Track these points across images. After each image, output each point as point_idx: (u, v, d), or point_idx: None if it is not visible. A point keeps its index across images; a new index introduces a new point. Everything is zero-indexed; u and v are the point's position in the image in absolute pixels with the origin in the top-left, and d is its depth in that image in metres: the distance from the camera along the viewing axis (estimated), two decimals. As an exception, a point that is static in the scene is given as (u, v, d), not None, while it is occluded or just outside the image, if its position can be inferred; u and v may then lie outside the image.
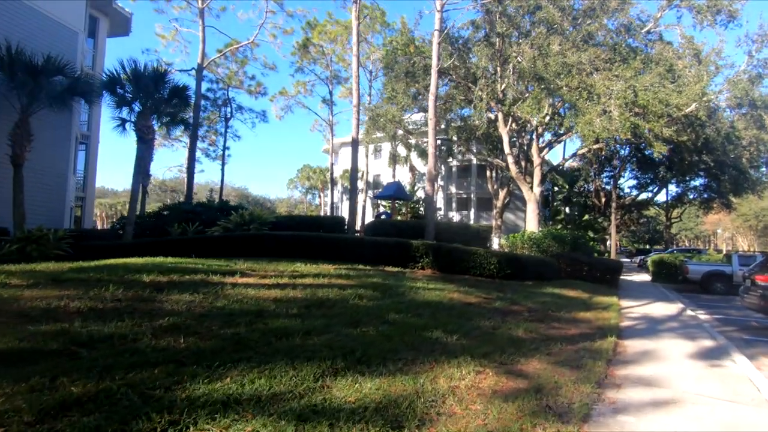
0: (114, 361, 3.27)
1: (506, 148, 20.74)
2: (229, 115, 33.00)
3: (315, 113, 38.74)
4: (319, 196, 59.95)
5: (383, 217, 26.31)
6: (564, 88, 16.24)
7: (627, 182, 48.49)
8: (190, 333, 4.12)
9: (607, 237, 38.23)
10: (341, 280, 7.71)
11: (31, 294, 4.76)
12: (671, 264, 18.59)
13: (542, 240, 15.98)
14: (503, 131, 20.51)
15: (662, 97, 14.69)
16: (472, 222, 35.71)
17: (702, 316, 9.76)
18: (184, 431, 2.48)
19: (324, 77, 33.08)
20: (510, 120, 20.82)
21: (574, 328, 6.97)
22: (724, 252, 34.70)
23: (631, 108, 14.98)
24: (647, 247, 52.83)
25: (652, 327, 8.12)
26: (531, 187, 20.64)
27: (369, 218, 31.38)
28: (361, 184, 34.77)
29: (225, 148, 33.31)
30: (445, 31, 17.76)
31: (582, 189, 37.69)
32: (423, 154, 29.85)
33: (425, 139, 23.44)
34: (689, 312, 10.09)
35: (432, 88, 15.43)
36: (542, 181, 21.59)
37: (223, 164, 33.33)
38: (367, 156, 35.37)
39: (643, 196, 35.94)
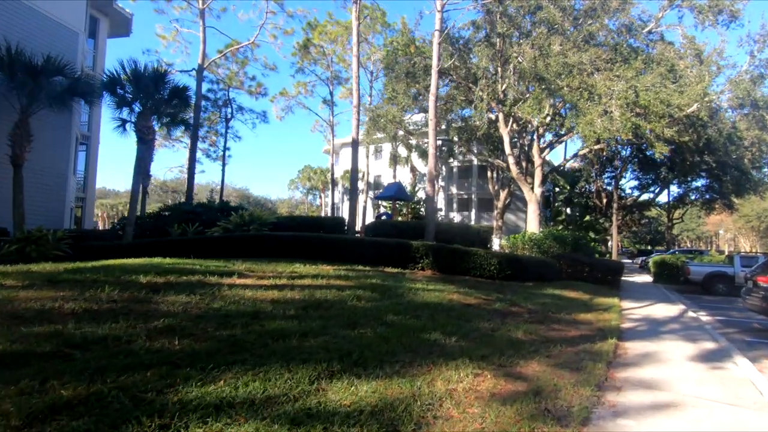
0: (107, 363, 3.24)
1: (507, 149, 20.67)
2: (229, 116, 33.00)
3: (316, 114, 38.78)
4: (320, 197, 59.93)
5: (384, 217, 26.29)
6: (565, 88, 16.18)
7: (628, 183, 48.55)
8: (185, 334, 4.08)
9: (608, 238, 38.11)
10: (340, 281, 7.67)
11: (26, 295, 4.73)
12: (673, 265, 18.52)
13: (543, 241, 15.92)
14: (504, 132, 20.45)
15: (663, 98, 14.62)
16: (473, 223, 35.65)
17: (704, 317, 9.69)
18: (174, 435, 2.43)
19: (325, 78, 33.10)
20: (511, 120, 20.77)
21: (575, 329, 6.92)
22: (726, 253, 34.55)
23: (632, 108, 14.91)
24: (649, 248, 52.65)
25: (653, 328, 8.06)
26: (532, 188, 20.58)
27: (370, 219, 31.35)
28: (361, 185, 34.75)
29: (225, 148, 33.33)
30: (446, 32, 17.72)
31: (583, 190, 37.59)
32: (424, 154, 29.80)
33: (426, 140, 23.40)
34: (691, 313, 10.03)
35: (432, 89, 15.38)
36: (543, 182, 21.53)
37: (223, 165, 33.35)
38: (367, 157, 35.35)
39: (645, 196, 35.82)
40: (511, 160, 20.71)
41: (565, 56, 16.04)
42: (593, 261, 15.56)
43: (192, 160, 22.86)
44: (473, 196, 38.62)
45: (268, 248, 11.17)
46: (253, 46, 29.51)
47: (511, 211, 34.93)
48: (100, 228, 40.97)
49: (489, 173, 32.36)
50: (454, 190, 40.05)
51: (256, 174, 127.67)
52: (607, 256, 28.44)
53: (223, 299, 5.45)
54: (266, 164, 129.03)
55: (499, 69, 19.74)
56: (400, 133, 27.58)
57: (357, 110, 17.45)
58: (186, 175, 26.48)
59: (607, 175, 34.98)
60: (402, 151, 34.57)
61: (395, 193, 22.37)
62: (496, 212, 30.93)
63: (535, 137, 22.07)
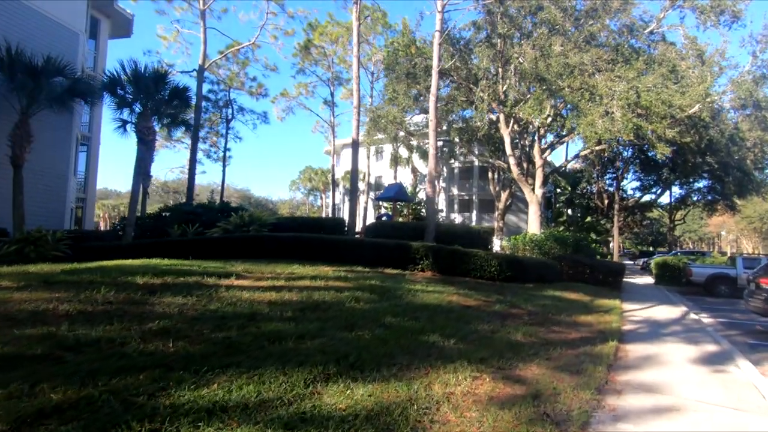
0: (99, 366, 3.19)
1: (508, 150, 20.62)
2: (230, 117, 33.08)
3: (317, 114, 38.85)
4: (321, 198, 59.95)
5: (384, 218, 26.20)
6: (566, 89, 16.12)
7: (630, 184, 48.39)
8: (180, 337, 4.04)
9: (609, 239, 37.99)
10: (338, 283, 7.63)
11: (20, 297, 4.69)
12: (675, 266, 18.42)
13: (544, 242, 15.85)
14: (505, 133, 20.40)
15: (665, 98, 14.55)
16: (474, 224, 35.56)
17: (705, 319, 9.62)
18: (165, 440, 2.39)
19: (325, 79, 33.14)
20: (512, 121, 20.72)
21: (575, 331, 6.86)
22: (729, 254, 34.44)
23: (633, 109, 14.85)
24: (650, 249, 52.42)
25: (654, 331, 7.99)
26: (533, 189, 20.52)
27: (371, 220, 31.30)
28: (362, 186, 34.72)
29: (226, 149, 33.41)
30: (446, 32, 17.69)
31: (584, 191, 37.51)
32: (425, 155, 29.76)
33: (427, 141, 23.36)
34: (693, 315, 9.95)
35: (433, 89, 15.34)
36: (544, 183, 21.47)
37: (224, 165, 33.40)
38: (368, 157, 35.32)
39: (647, 197, 35.78)
40: (512, 161, 20.65)
41: (566, 57, 15.99)
42: (594, 262, 15.48)
43: (192, 161, 22.87)
44: (474, 197, 38.56)
45: (267, 249, 11.13)
46: (253, 47, 29.58)
47: (512, 212, 34.86)
48: (102, 228, 41.04)
49: (490, 174, 32.31)
50: (455, 191, 39.99)
51: (257, 175, 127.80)
52: (609, 257, 28.37)
53: (220, 301, 5.41)
54: (267, 165, 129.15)
55: (500, 70, 19.70)
56: (401, 134, 27.55)
57: (357, 111, 17.42)
58: (187, 176, 26.49)
59: (608, 176, 34.94)
60: (403, 152, 34.53)
61: (396, 194, 22.32)
62: (497, 213, 30.86)
63: (536, 138, 22.02)
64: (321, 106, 37.65)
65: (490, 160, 27.90)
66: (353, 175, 17.47)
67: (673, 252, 29.71)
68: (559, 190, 38.13)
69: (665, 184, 32.70)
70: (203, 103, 26.51)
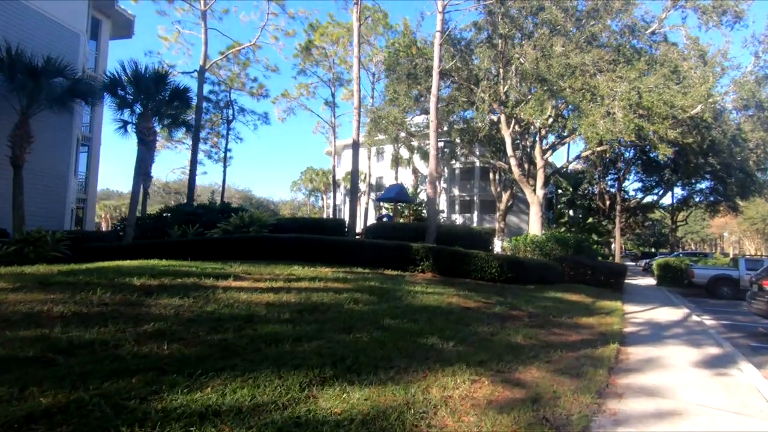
0: (91, 369, 3.15)
1: (509, 151, 20.56)
2: (231, 117, 33.07)
3: (317, 115, 38.72)
4: (322, 199, 59.93)
5: (385, 219, 26.17)
6: (567, 89, 16.06)
7: (632, 185, 48.01)
8: (175, 339, 3.99)
9: (611, 240, 37.87)
10: (338, 284, 7.58)
11: (15, 298, 4.65)
12: (677, 268, 18.33)
13: (545, 243, 15.79)
14: (506, 133, 20.34)
15: (667, 99, 14.48)
16: (475, 224, 35.50)
17: (708, 321, 9.54)
18: (155, 446, 2.35)
19: (326, 79, 33.12)
20: (513, 122, 20.65)
21: (576, 334, 6.79)
22: (731, 256, 34.25)
23: (635, 110, 14.78)
24: (652, 250, 52.31)
25: (656, 333, 7.92)
26: (534, 190, 20.45)
27: (371, 220, 31.26)
28: (363, 187, 34.69)
29: (227, 150, 33.39)
30: (447, 33, 17.64)
31: (586, 191, 37.42)
32: (426, 156, 29.70)
33: (428, 142, 23.30)
34: (695, 317, 9.87)
35: (434, 90, 15.30)
36: (545, 184, 21.40)
37: (224, 166, 33.40)
38: (369, 158, 35.29)
39: (648, 198, 35.64)
40: (513, 161, 20.59)
41: (568, 57, 15.93)
42: (596, 263, 15.41)
43: (193, 162, 22.85)
44: (475, 198, 38.49)
45: (267, 250, 11.09)
46: (254, 48, 29.57)
47: (513, 213, 34.78)
48: (104, 229, 41.10)
49: (491, 175, 32.24)
50: (456, 191, 39.93)
51: (258, 175, 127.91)
52: (610, 258, 28.28)
53: (217, 302, 5.36)
54: (269, 166, 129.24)
55: (501, 70, 19.63)
56: (402, 134, 27.52)
57: (358, 112, 17.39)
58: (188, 177, 26.49)
59: (610, 177, 34.84)
60: (404, 152, 34.50)
61: (396, 195, 22.28)
62: (498, 214, 30.78)
63: (537, 139, 21.95)
64: (322, 107, 37.69)
65: (492, 161, 27.85)
66: (354, 175, 17.44)
67: (675, 253, 29.60)
68: (560, 191, 38.05)
69: (667, 185, 32.58)
70: (204, 104, 26.53)
